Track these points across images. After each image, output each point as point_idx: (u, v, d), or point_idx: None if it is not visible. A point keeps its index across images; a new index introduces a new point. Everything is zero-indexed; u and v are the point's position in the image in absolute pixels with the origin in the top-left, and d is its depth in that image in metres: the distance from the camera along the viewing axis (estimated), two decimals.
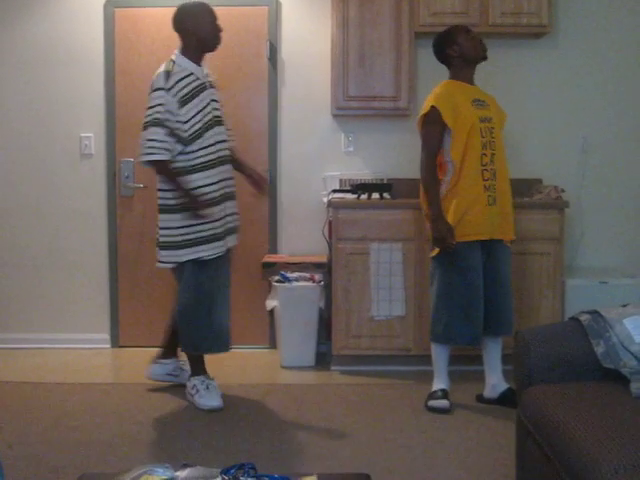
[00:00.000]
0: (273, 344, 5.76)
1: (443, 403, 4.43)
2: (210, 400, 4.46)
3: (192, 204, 4.32)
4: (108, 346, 5.93)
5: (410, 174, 5.72)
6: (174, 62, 4.42)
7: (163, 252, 4.45)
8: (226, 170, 4.51)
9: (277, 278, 5.40)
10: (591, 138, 5.80)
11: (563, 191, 5.36)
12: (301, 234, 5.76)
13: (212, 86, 4.52)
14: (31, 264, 5.93)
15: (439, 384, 4.52)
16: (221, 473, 2.25)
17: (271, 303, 5.47)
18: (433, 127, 4.41)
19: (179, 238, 4.38)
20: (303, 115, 5.81)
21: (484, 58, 4.53)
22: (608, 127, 5.81)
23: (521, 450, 3.00)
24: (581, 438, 2.35)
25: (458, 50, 4.51)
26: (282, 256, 5.71)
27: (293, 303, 5.29)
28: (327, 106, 5.69)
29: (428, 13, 5.42)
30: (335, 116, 5.75)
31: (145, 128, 4.34)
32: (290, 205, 5.85)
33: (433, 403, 4.44)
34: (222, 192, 4.45)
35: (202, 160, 4.37)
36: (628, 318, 2.93)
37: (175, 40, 5.80)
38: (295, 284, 5.34)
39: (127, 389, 4.85)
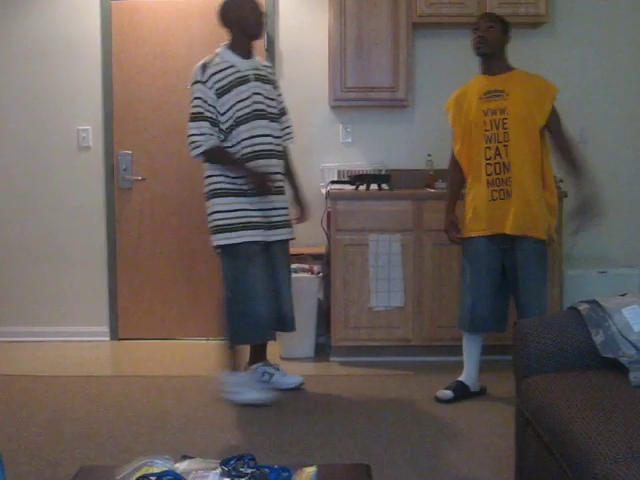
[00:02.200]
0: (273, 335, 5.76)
1: (443, 393, 4.45)
2: (256, 393, 4.41)
3: (255, 181, 4.31)
4: (107, 339, 5.93)
5: (408, 165, 5.74)
6: (217, 54, 4.37)
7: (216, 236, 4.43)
8: (268, 164, 4.40)
9: None
10: (589, 128, 5.79)
11: (562, 181, 5.35)
12: (299, 225, 5.75)
13: (261, 79, 4.43)
14: (29, 257, 5.92)
15: (461, 375, 4.54)
16: (221, 464, 2.25)
17: None
18: (453, 127, 4.54)
19: (226, 222, 4.35)
20: (301, 106, 5.79)
21: (479, 55, 4.42)
22: (606, 117, 5.81)
23: (520, 440, 3.01)
24: (580, 427, 2.35)
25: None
26: None
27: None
28: (325, 97, 5.68)
29: (425, 4, 5.41)
30: (333, 107, 5.74)
31: (189, 121, 4.33)
32: (288, 196, 5.84)
33: (437, 392, 4.47)
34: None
35: (241, 152, 4.34)
36: (627, 307, 2.93)
37: (171, 33, 5.82)
38: (294, 275, 5.32)
39: (126, 382, 4.85)
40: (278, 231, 4.49)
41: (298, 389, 4.67)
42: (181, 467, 2.29)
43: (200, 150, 4.31)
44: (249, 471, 2.19)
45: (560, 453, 2.44)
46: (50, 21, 5.79)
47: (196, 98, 4.30)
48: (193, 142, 4.31)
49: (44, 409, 4.35)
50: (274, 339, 4.65)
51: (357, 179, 5.32)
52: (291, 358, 5.30)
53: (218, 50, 4.40)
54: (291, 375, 4.74)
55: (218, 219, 4.37)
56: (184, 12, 5.81)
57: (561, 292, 5.22)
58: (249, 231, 4.35)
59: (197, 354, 5.54)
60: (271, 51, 5.77)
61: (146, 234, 5.92)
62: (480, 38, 4.37)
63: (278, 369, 4.73)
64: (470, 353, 4.52)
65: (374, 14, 5.42)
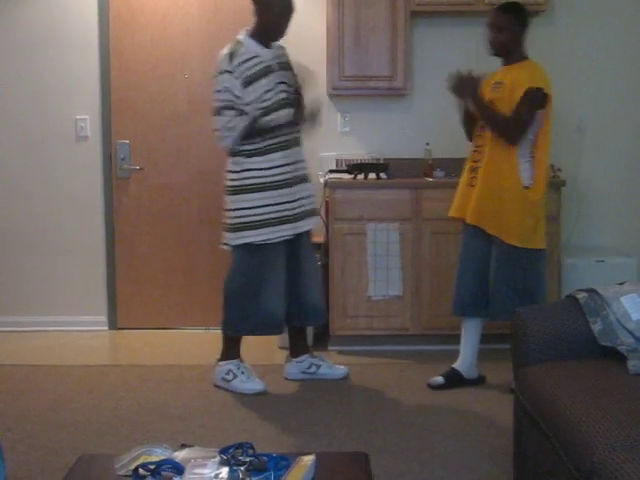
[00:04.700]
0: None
1: (435, 380, 4.50)
2: (254, 384, 4.44)
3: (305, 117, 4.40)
4: (106, 328, 5.93)
5: (406, 154, 5.72)
6: (240, 43, 4.34)
7: (230, 234, 4.42)
8: (296, 152, 4.47)
9: None
10: (587, 117, 5.78)
11: (560, 170, 5.35)
12: None
13: (283, 67, 4.44)
14: (27, 247, 5.91)
15: (455, 362, 4.56)
16: (219, 453, 2.25)
17: None
18: None
19: (251, 219, 4.33)
20: None
21: (491, 55, 4.43)
22: (604, 106, 5.80)
23: (518, 429, 3.02)
24: (578, 416, 2.36)
25: None
26: None
27: None
28: (323, 86, 5.66)
29: None
30: (331, 96, 5.72)
31: (214, 114, 4.34)
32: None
33: (430, 379, 4.52)
34: (293, 175, 4.42)
35: (269, 142, 4.34)
36: (625, 296, 2.94)
37: (169, 21, 5.80)
38: None
39: (125, 371, 4.86)
40: (304, 222, 4.50)
41: (344, 378, 4.67)
42: (180, 456, 2.30)
43: (225, 143, 4.34)
44: (248, 459, 2.19)
45: (558, 441, 2.45)
46: (47, 10, 5.76)
47: (221, 90, 4.29)
48: (219, 136, 4.34)
49: (43, 399, 4.36)
50: (281, 332, 4.64)
51: (355, 168, 5.31)
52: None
53: (240, 38, 4.37)
54: (337, 367, 4.74)
55: (247, 215, 4.34)
56: (181, 0, 5.78)
57: (559, 281, 5.22)
58: (281, 226, 4.36)
59: (196, 343, 5.54)
60: None
61: (144, 223, 5.91)
62: (490, 44, 4.37)
63: (324, 360, 4.74)
64: (466, 340, 4.52)
65: (372, 3, 5.40)
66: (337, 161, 5.73)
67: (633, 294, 2.95)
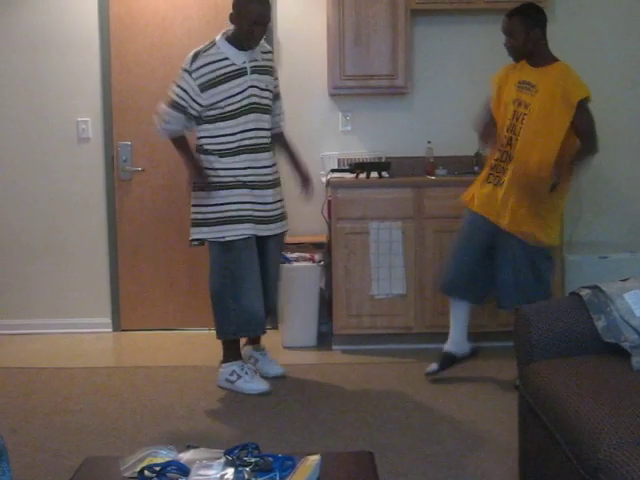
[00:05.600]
0: (274, 325, 5.76)
1: (429, 367, 4.58)
2: (258, 384, 4.45)
3: (198, 179, 4.35)
4: (109, 330, 5.93)
5: (408, 152, 5.72)
6: (213, 43, 4.32)
7: (191, 229, 4.47)
8: (262, 158, 4.43)
9: None
10: None
11: None
12: (300, 214, 5.73)
13: (258, 71, 4.38)
14: (30, 250, 5.91)
15: (445, 344, 4.60)
16: (225, 454, 2.25)
17: None
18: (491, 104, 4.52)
19: (206, 216, 4.37)
20: (300, 95, 5.78)
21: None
22: (607, 102, 5.76)
23: (523, 426, 3.01)
24: (583, 413, 2.35)
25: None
26: None
27: (293, 283, 5.28)
28: (324, 85, 5.67)
29: None
30: (332, 95, 5.73)
31: (165, 104, 4.35)
32: (288, 185, 5.83)
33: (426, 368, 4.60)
34: (257, 179, 4.40)
35: (225, 147, 4.33)
36: (628, 292, 2.94)
37: (169, 23, 5.80)
38: (295, 264, 5.34)
39: (129, 372, 4.86)
40: (271, 226, 4.48)
41: (282, 377, 4.67)
42: (185, 457, 2.30)
43: (160, 135, 4.44)
44: (253, 460, 2.19)
45: (563, 438, 2.44)
46: (48, 13, 5.76)
47: (179, 86, 4.30)
48: (158, 123, 4.38)
49: (47, 401, 4.36)
50: (263, 333, 4.61)
51: (357, 167, 5.31)
52: (293, 347, 5.31)
53: (217, 38, 4.34)
54: (276, 365, 4.75)
55: (201, 212, 4.39)
56: (182, 2, 5.78)
57: (562, 278, 5.22)
58: (238, 225, 4.35)
59: (199, 344, 5.54)
60: (269, 40, 5.74)
61: (147, 225, 5.91)
62: (506, 49, 4.39)
63: (264, 354, 4.76)
64: (454, 319, 4.55)
65: (373, 2, 5.39)
66: (339, 160, 5.73)
67: (637, 290, 2.94)
